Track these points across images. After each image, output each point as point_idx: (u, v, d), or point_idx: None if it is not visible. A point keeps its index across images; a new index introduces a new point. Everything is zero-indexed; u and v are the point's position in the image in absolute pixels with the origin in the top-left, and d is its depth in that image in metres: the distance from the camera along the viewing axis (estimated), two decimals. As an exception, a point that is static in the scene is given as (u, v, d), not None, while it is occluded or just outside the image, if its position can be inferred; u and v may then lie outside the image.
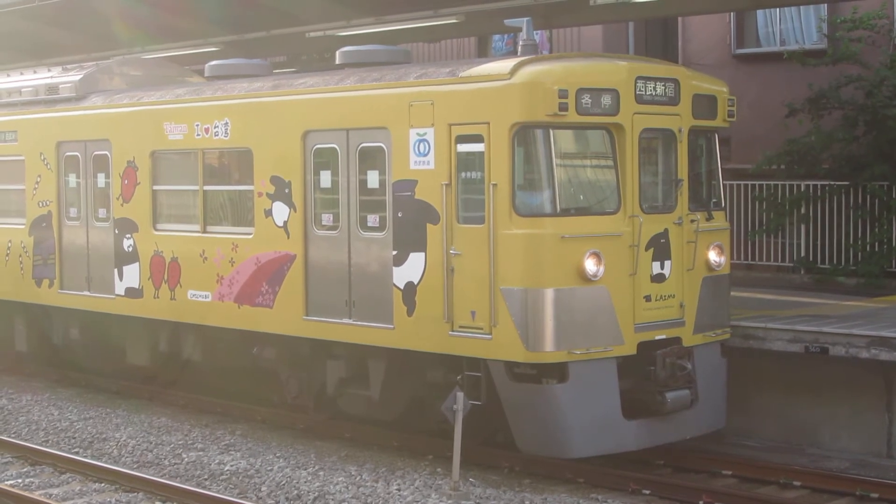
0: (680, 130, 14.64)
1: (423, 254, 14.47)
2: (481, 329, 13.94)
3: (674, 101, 14.60)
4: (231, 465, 15.24)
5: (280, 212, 16.10)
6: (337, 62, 16.79)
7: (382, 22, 20.10)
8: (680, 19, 24.38)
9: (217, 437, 16.80)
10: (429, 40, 24.97)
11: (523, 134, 13.78)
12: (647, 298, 14.27)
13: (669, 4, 19.51)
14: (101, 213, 18.91)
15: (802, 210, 21.03)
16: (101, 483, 14.66)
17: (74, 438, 16.99)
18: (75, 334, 19.93)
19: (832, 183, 20.64)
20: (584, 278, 13.73)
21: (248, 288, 16.47)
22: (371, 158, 15.11)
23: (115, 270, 18.55)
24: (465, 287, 14.07)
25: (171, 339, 18.31)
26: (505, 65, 13.97)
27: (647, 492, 13.90)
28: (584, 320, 13.80)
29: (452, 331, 14.20)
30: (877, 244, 20.07)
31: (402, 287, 14.67)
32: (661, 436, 14.47)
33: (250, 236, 16.52)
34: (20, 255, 20.36)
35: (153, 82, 20.02)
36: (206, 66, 18.68)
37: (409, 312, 14.61)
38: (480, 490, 13.96)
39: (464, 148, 14.13)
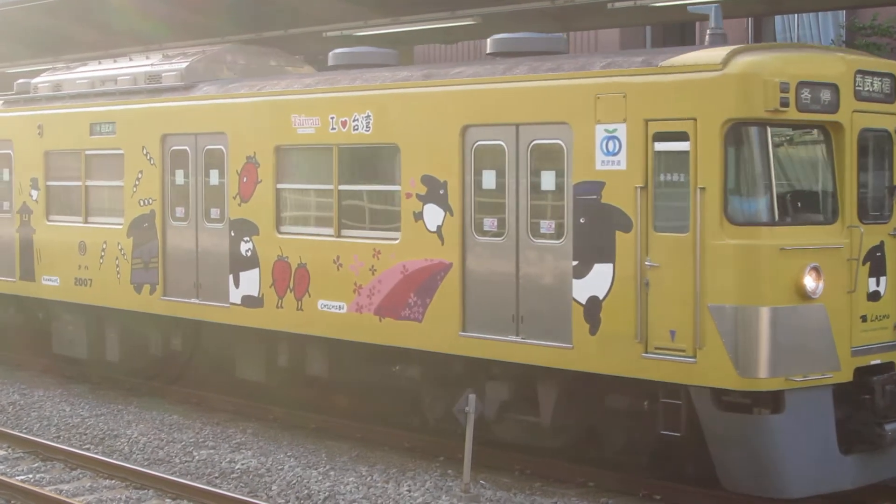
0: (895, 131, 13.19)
1: (610, 265, 12.94)
2: (683, 351, 12.40)
3: (890, 98, 13.14)
4: (242, 464, 15.18)
5: (433, 215, 14.53)
6: (488, 51, 15.33)
7: (399, 23, 19.83)
8: (697, 23, 23.57)
9: (228, 436, 16.70)
10: (445, 42, 24.61)
11: (737, 132, 12.24)
12: (864, 319, 12.80)
13: (687, 9, 18.41)
14: (214, 213, 17.29)
15: None
16: (112, 479, 14.65)
17: (86, 434, 16.95)
18: (177, 345, 18.37)
19: None
20: (803, 296, 12.22)
21: (393, 299, 14.90)
22: (545, 157, 13.57)
23: (231, 277, 16.93)
24: (663, 303, 12.54)
25: (293, 353, 16.71)
26: (716, 54, 12.42)
27: (659, 497, 13.40)
28: (801, 343, 12.29)
29: (646, 352, 12.67)
30: None
31: (583, 302, 13.13)
32: (880, 472, 13.00)
33: (396, 242, 14.94)
34: (116, 258, 18.74)
35: (262, 71, 18.53)
36: (331, 54, 17.14)
37: (592, 331, 13.08)
38: (491, 492, 13.77)
39: (663, 147, 12.60)
